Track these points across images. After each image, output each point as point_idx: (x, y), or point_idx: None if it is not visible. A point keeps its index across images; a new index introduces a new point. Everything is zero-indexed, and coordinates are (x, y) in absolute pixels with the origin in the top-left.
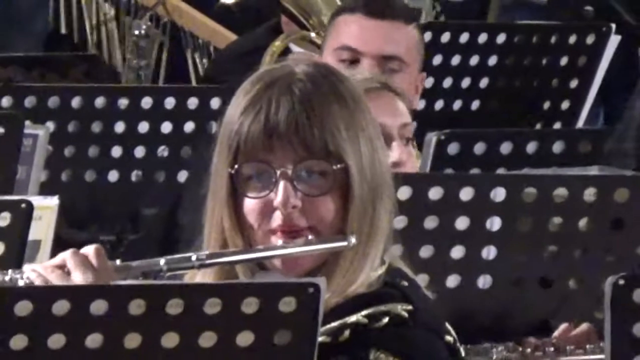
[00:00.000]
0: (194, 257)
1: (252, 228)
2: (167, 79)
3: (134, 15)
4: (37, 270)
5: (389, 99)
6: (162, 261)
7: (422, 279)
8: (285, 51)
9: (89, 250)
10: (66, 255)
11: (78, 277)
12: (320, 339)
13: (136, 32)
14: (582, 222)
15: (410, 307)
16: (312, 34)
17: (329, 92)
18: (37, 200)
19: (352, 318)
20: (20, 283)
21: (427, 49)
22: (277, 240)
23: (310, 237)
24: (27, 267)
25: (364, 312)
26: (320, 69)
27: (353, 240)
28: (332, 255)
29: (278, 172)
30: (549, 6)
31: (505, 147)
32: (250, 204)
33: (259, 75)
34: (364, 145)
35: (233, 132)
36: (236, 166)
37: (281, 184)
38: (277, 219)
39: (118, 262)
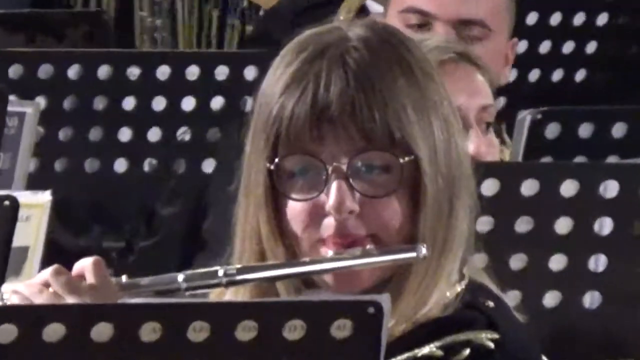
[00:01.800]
0: (221, 272)
1: (296, 236)
2: (191, 44)
3: None
4: (20, 292)
5: (466, 73)
6: (180, 277)
7: (512, 297)
8: (364, 9)
9: (85, 264)
10: (47, 275)
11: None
12: None
13: None
14: None
15: (497, 336)
16: None
17: (392, 62)
18: (24, 197)
19: (424, 350)
20: None
21: (519, 5)
22: (328, 251)
23: (369, 246)
24: (6, 287)
25: (439, 343)
26: (380, 32)
27: (424, 250)
28: (398, 269)
29: (330, 168)
30: None
31: (618, 129)
32: (295, 207)
33: (302, 42)
34: (437, 130)
35: (272, 116)
36: (276, 160)
37: (334, 183)
38: (328, 226)
39: (124, 278)
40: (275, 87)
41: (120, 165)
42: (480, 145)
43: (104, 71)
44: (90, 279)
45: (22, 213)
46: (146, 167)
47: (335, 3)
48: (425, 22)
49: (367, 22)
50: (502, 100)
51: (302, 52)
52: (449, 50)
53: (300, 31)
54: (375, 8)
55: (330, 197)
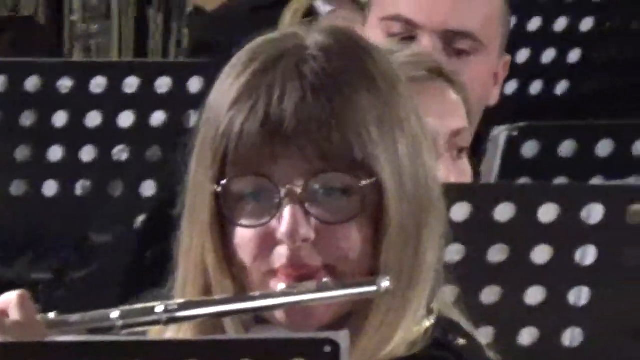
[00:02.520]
0: (160, 308)
1: (245, 267)
2: (130, 52)
3: None
4: None
5: (438, 92)
6: (115, 313)
7: (485, 334)
8: (312, 11)
9: (9, 299)
10: None
11: None
12: None
13: None
14: None
15: None
16: None
17: (354, 73)
18: None
19: None
20: None
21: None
22: (280, 284)
23: (325, 279)
24: None
25: None
26: (342, 39)
27: (386, 283)
28: (358, 304)
29: (283, 191)
30: None
31: (604, 147)
32: (244, 235)
33: (254, 50)
34: (403, 149)
35: (219, 133)
36: (224, 181)
37: (287, 207)
38: (281, 256)
39: (53, 314)
40: (223, 100)
41: (50, 187)
42: (449, 173)
43: (32, 83)
44: (14, 315)
45: None
46: (79, 190)
47: (282, 5)
48: (410, 31)
49: (327, 27)
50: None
51: (254, 62)
52: (419, 66)
53: (251, 37)
54: (326, 9)
55: (283, 223)
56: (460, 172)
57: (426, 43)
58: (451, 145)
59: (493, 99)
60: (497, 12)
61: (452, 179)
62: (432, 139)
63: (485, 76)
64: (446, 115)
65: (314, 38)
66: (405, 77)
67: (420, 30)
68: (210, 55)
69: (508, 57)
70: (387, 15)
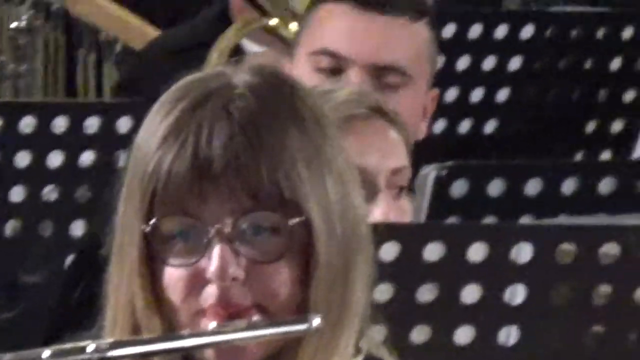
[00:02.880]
0: (91, 347)
1: (174, 306)
2: (59, 92)
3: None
4: None
5: (378, 130)
6: (46, 352)
7: None
8: (239, 50)
9: None
10: None
11: None
12: None
13: (13, 25)
14: None
15: None
16: (274, 21)
17: (282, 112)
18: None
19: None
20: None
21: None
22: (210, 323)
23: (255, 317)
24: None
25: None
26: (270, 78)
27: (317, 321)
28: (288, 343)
29: (212, 230)
30: None
31: (533, 186)
32: (173, 274)
33: (182, 89)
34: (331, 188)
35: (148, 173)
36: (153, 221)
37: (216, 246)
38: (210, 295)
39: None
40: (151, 139)
41: None
42: (389, 211)
43: None
44: None
45: None
46: (7, 230)
47: (209, 45)
48: (338, 66)
49: (256, 66)
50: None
51: (182, 101)
52: (360, 105)
53: (178, 77)
54: (253, 48)
55: (212, 262)
56: (400, 211)
57: (354, 77)
58: (391, 184)
59: (421, 133)
60: (425, 46)
61: (392, 218)
62: (372, 177)
63: (414, 110)
64: (387, 154)
65: (241, 77)
66: (346, 115)
67: (349, 65)
68: (138, 95)
69: (436, 92)
70: (315, 50)
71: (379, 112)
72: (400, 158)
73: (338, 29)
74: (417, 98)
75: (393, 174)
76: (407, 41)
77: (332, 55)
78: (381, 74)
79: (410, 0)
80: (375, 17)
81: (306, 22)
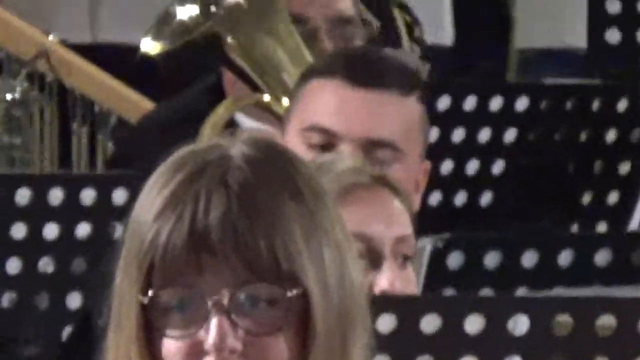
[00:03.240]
0: None
1: None
2: (54, 164)
3: (4, 72)
4: None
5: (382, 199)
6: None
7: None
8: (232, 123)
9: None
10: None
11: None
12: None
13: (8, 97)
14: None
15: None
16: (267, 97)
17: (279, 184)
18: None
19: None
20: None
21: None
22: None
23: None
24: None
25: None
26: (266, 150)
27: None
28: None
29: (210, 302)
30: (590, 57)
31: (529, 258)
32: (171, 346)
33: (179, 160)
34: (329, 258)
35: (145, 244)
36: (150, 292)
37: (214, 318)
38: None
39: None
40: (149, 211)
41: None
42: (394, 280)
43: None
44: None
45: None
46: (4, 302)
47: (203, 118)
48: (329, 142)
49: (252, 138)
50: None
51: (179, 172)
52: (364, 173)
53: (172, 150)
54: (248, 124)
55: (210, 334)
56: (406, 280)
57: (346, 153)
58: (396, 253)
59: (414, 205)
60: (416, 120)
61: (398, 287)
62: (377, 246)
63: (407, 184)
64: (391, 222)
65: (238, 149)
66: (349, 183)
67: (340, 140)
68: (132, 168)
69: (428, 164)
70: (305, 126)
71: (382, 181)
72: (404, 226)
73: (328, 105)
74: (410, 172)
75: (398, 242)
76: (398, 116)
77: (323, 131)
78: (373, 149)
79: (400, 75)
80: (366, 92)
81: (296, 97)
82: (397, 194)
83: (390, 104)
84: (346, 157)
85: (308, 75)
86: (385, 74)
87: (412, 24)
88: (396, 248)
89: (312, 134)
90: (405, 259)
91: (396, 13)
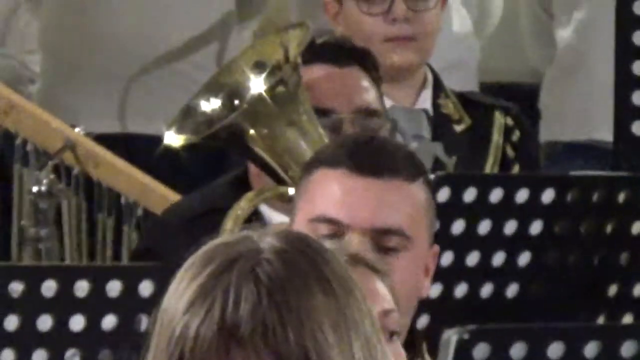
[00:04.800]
0: None
1: None
2: (80, 256)
3: (31, 164)
4: None
5: (363, 277)
6: None
7: None
8: (255, 215)
9: None
10: None
11: None
12: None
13: (34, 189)
14: None
15: None
16: (290, 190)
17: (309, 277)
18: None
19: None
20: None
21: (443, 211)
22: None
23: None
24: None
25: None
26: (296, 243)
27: None
28: None
29: None
30: (617, 150)
31: (555, 350)
32: None
33: (209, 253)
34: (358, 352)
35: (175, 336)
36: None
37: None
38: None
39: None
40: (178, 303)
41: None
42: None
43: None
44: None
45: None
46: None
47: (225, 211)
48: (337, 232)
49: (281, 230)
50: (424, 318)
51: (209, 265)
52: (341, 253)
53: (197, 242)
54: (271, 215)
55: None
56: (395, 355)
57: (354, 242)
58: (383, 328)
59: (425, 290)
60: (423, 206)
61: None
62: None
63: (416, 270)
64: (375, 298)
65: (268, 241)
66: None
67: (348, 230)
68: (157, 260)
69: (437, 248)
70: (313, 217)
71: (360, 260)
72: (386, 302)
73: (334, 195)
74: (419, 258)
75: (383, 315)
76: (405, 203)
77: (330, 222)
78: (381, 237)
79: (405, 162)
80: (371, 181)
81: (303, 187)
82: (375, 272)
83: (396, 191)
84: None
85: (313, 165)
86: (389, 161)
87: (511, 128)
88: (382, 322)
89: (320, 225)
90: (392, 334)
91: (497, 115)
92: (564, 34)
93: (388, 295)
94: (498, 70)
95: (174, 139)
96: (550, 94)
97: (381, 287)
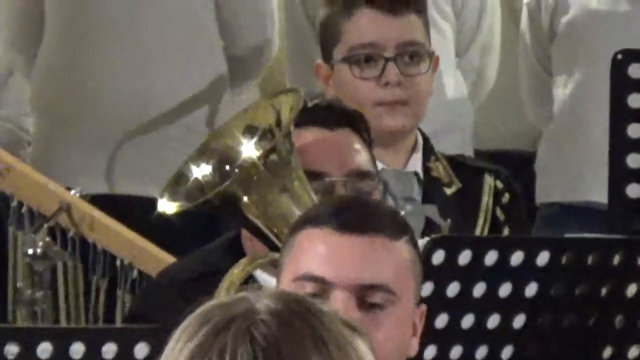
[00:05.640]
0: None
1: None
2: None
3: (26, 226)
4: None
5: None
6: None
7: None
8: (249, 280)
9: None
10: None
11: None
12: None
13: (30, 251)
14: None
15: None
16: None
17: (304, 337)
18: None
19: None
20: None
21: (438, 273)
22: None
23: None
24: None
25: None
26: (291, 303)
27: None
28: None
29: None
30: (612, 213)
31: None
32: None
33: (205, 313)
34: None
35: None
36: None
37: None
38: None
39: None
40: None
41: None
42: None
43: None
44: None
45: None
46: None
47: (220, 275)
48: (322, 289)
49: (277, 291)
50: None
51: (205, 325)
52: None
53: (192, 304)
54: (265, 279)
55: None
56: None
57: (339, 299)
58: None
59: (413, 350)
60: (408, 263)
61: None
62: None
63: (402, 328)
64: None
65: (264, 302)
66: None
67: (333, 287)
68: (150, 322)
69: (424, 307)
70: (298, 276)
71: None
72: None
73: (319, 254)
74: (405, 315)
75: None
76: (389, 259)
77: (315, 279)
78: (366, 293)
79: (389, 220)
80: (355, 238)
81: (287, 247)
82: (355, 332)
83: (380, 248)
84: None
85: (299, 225)
86: (373, 219)
87: (501, 191)
88: None
89: (305, 283)
90: None
91: (487, 177)
92: (562, 93)
93: (369, 355)
94: (493, 137)
95: (167, 206)
96: (547, 154)
97: (365, 350)
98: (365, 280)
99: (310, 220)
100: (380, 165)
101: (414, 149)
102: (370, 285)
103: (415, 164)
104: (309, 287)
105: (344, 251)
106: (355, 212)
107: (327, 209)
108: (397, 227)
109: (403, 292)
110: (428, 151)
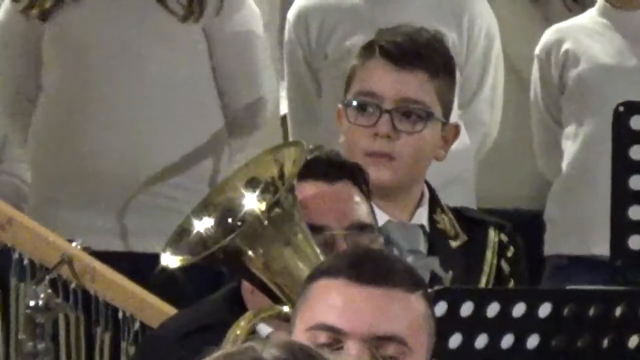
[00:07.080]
0: None
1: None
2: None
3: (28, 278)
4: None
5: None
6: None
7: None
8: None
9: None
10: None
11: None
12: None
13: (31, 303)
14: None
15: None
16: (286, 309)
17: None
18: None
19: None
20: None
21: (441, 325)
22: None
23: None
24: None
25: None
26: (297, 353)
27: None
28: None
29: None
30: (614, 265)
31: None
32: None
33: None
34: None
35: None
36: None
37: None
38: None
39: None
40: None
41: None
42: None
43: None
44: None
45: None
46: None
47: (221, 327)
48: (336, 339)
49: (284, 341)
50: None
51: None
52: None
53: (194, 356)
54: (267, 331)
55: None
56: None
57: (353, 350)
58: None
59: None
60: (422, 317)
61: None
62: None
63: None
64: None
65: (270, 352)
66: None
67: (347, 338)
68: None
69: None
70: (312, 325)
71: None
72: None
73: (333, 304)
74: None
75: None
76: (404, 312)
77: (329, 329)
78: (380, 345)
79: (405, 273)
80: (371, 290)
81: (302, 297)
82: None
83: (395, 300)
84: (324, 351)
85: (315, 276)
86: (389, 271)
87: (506, 244)
88: None
89: (319, 333)
90: None
91: (490, 232)
92: (570, 146)
93: None
94: (495, 196)
95: (170, 260)
96: (556, 205)
97: None
98: (380, 331)
99: (326, 271)
100: (385, 217)
101: (420, 202)
102: (384, 336)
103: (421, 216)
104: (322, 337)
105: (360, 302)
106: (371, 264)
107: (343, 260)
108: (412, 281)
109: (417, 345)
110: (434, 203)
